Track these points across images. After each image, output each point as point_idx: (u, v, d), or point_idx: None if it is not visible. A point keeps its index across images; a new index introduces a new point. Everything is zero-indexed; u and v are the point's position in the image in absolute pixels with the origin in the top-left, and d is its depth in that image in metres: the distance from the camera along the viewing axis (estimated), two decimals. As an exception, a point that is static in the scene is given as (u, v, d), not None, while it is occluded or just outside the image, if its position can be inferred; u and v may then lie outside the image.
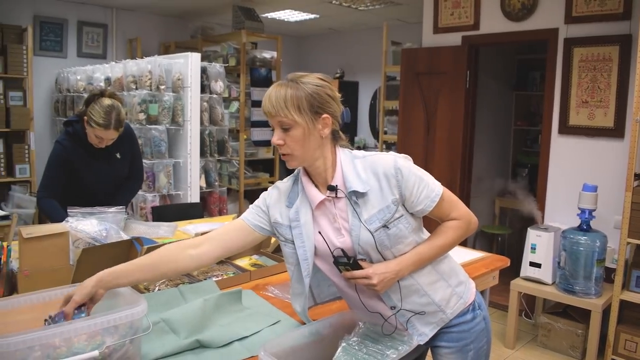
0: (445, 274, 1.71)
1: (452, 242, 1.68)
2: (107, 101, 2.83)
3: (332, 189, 1.60)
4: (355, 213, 1.58)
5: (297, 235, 1.65)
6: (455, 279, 1.74)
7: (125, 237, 2.26)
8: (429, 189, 1.60)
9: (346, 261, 1.56)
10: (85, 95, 3.05)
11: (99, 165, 3.01)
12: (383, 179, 1.57)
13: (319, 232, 1.63)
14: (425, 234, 1.72)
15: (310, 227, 1.64)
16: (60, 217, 2.74)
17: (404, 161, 1.60)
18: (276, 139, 1.57)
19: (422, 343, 1.68)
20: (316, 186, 1.65)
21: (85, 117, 2.82)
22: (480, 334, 1.75)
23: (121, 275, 1.57)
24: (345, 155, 1.64)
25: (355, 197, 1.58)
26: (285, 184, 1.74)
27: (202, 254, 1.66)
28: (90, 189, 3.02)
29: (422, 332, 1.68)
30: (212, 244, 1.68)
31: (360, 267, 1.57)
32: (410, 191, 1.57)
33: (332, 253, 1.59)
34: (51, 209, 2.87)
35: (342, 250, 1.59)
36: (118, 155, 3.10)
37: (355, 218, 1.58)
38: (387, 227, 1.57)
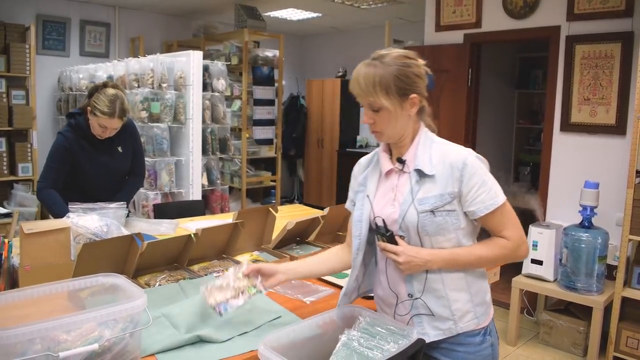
0: (473, 288, 1.67)
1: (492, 259, 1.65)
2: (111, 90, 2.89)
3: (401, 161, 1.66)
4: (412, 190, 1.60)
5: (360, 199, 1.74)
6: (480, 298, 1.69)
7: (125, 232, 2.27)
8: (488, 194, 1.58)
9: (384, 232, 1.61)
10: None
11: (100, 158, 3.03)
12: (449, 168, 1.58)
13: (367, 196, 1.70)
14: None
15: (371, 193, 1.71)
16: (59, 209, 2.79)
17: (475, 160, 1.60)
18: (367, 118, 1.63)
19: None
20: (390, 158, 1.71)
21: (89, 108, 2.86)
22: (485, 359, 1.70)
23: (300, 266, 1.86)
24: (425, 136, 1.67)
25: (418, 175, 1.61)
26: (366, 157, 1.82)
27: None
28: (91, 181, 3.03)
29: (426, 333, 1.65)
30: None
31: (395, 243, 1.60)
32: (469, 189, 1.57)
33: (374, 220, 1.65)
34: (51, 199, 2.90)
35: (384, 221, 1.63)
36: (120, 149, 3.11)
37: (410, 195, 1.60)
38: (434, 214, 1.57)
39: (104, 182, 3.08)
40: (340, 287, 2.18)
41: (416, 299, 1.65)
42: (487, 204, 1.58)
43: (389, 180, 1.69)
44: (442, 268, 1.61)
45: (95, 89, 2.91)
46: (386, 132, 1.64)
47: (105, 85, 2.93)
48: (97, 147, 3.01)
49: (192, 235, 2.27)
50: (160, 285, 2.09)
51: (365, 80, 1.58)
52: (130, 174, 3.25)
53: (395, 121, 1.61)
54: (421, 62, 1.65)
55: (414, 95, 1.60)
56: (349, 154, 8.09)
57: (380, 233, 1.63)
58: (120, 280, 1.63)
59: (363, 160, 1.82)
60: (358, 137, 8.39)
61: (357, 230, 1.72)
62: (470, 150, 1.64)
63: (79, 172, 2.99)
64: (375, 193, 1.70)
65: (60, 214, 2.70)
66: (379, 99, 1.57)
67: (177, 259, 2.32)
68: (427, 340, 1.64)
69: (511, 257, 1.65)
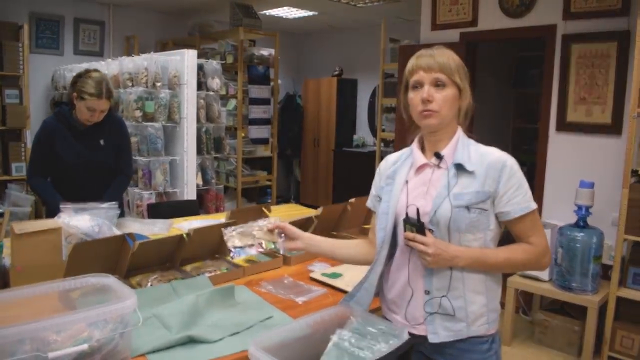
0: (490, 293, 1.66)
1: (517, 263, 1.66)
2: (95, 74, 2.98)
3: (439, 157, 1.66)
4: (448, 185, 1.61)
5: (387, 192, 1.73)
6: (495, 304, 1.68)
7: (117, 232, 2.25)
8: (524, 197, 1.61)
9: (415, 222, 1.58)
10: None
11: (80, 148, 3.04)
12: (488, 168, 1.61)
13: (397, 188, 1.71)
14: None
15: (400, 186, 1.70)
16: (50, 194, 2.90)
17: (514, 162, 1.63)
18: (427, 94, 1.61)
19: (432, 341, 1.63)
20: (424, 154, 1.72)
21: (75, 94, 2.91)
22: None
23: (323, 242, 1.88)
24: (463, 135, 1.69)
25: (456, 171, 1.62)
26: (394, 154, 1.83)
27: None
28: (72, 174, 3.04)
29: (437, 332, 1.63)
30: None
31: (424, 234, 1.58)
32: (506, 190, 1.59)
33: (407, 209, 1.62)
34: (41, 186, 3.01)
35: (418, 210, 1.60)
36: (101, 142, 3.12)
37: (445, 189, 1.61)
38: (468, 210, 1.58)
39: (84, 175, 3.06)
40: (333, 288, 2.18)
41: (434, 297, 1.62)
42: (522, 206, 1.60)
43: (422, 175, 1.69)
44: (468, 267, 1.60)
45: (79, 77, 2.97)
46: (442, 112, 1.62)
47: (87, 71, 3.00)
48: (78, 138, 3.03)
49: (185, 235, 2.26)
50: (152, 285, 2.08)
51: (444, 57, 1.63)
52: (116, 172, 3.24)
53: (454, 103, 1.64)
54: None
55: (468, 87, 1.66)
56: (345, 153, 8.09)
57: (410, 223, 1.59)
58: (111, 280, 1.62)
59: (391, 157, 1.83)
60: (354, 137, 8.38)
61: (383, 222, 1.71)
62: (507, 153, 1.67)
63: (59, 163, 3.01)
64: (403, 186, 1.70)
65: (50, 201, 2.83)
66: (455, 75, 1.62)
67: (170, 259, 2.31)
68: (436, 341, 1.63)
69: (535, 264, 1.66)
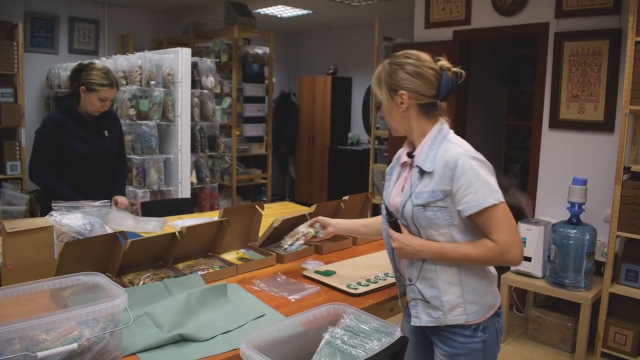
0: (466, 285, 1.73)
1: (477, 259, 1.69)
2: (99, 65, 3.04)
3: (410, 156, 1.79)
4: (412, 184, 1.74)
5: (385, 187, 1.91)
6: (474, 297, 1.74)
7: (109, 231, 2.25)
8: (474, 196, 1.63)
9: (388, 218, 1.81)
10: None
11: (90, 139, 3.09)
12: (444, 167, 1.67)
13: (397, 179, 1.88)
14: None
15: (393, 182, 1.88)
16: (61, 189, 2.94)
17: (467, 160, 1.64)
18: (380, 111, 1.86)
19: (414, 324, 1.80)
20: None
21: (83, 87, 2.95)
22: (473, 352, 1.75)
23: (348, 224, 2.28)
24: (437, 133, 1.75)
25: (420, 171, 1.72)
26: (400, 149, 1.93)
27: None
28: (81, 165, 3.07)
29: (419, 317, 1.79)
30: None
31: (398, 228, 1.77)
32: (457, 189, 1.64)
33: (386, 206, 1.85)
34: (50, 182, 3.01)
35: (387, 208, 1.83)
36: (105, 133, 3.19)
37: (410, 189, 1.74)
38: (425, 208, 1.69)
39: (92, 167, 3.13)
40: (326, 285, 2.18)
41: (414, 284, 1.79)
42: (472, 204, 1.63)
43: (404, 172, 1.84)
44: (433, 259, 1.72)
45: (78, 71, 3.01)
46: (389, 124, 1.84)
47: (89, 64, 3.05)
48: (86, 130, 3.08)
49: (177, 234, 2.26)
50: (144, 283, 2.08)
51: (375, 75, 1.81)
52: (116, 164, 3.34)
53: (389, 113, 1.80)
54: (428, 63, 1.73)
55: (402, 91, 1.72)
56: (340, 151, 8.09)
57: (386, 219, 1.82)
58: (101, 279, 1.62)
59: (399, 152, 1.94)
60: (349, 135, 8.39)
61: (382, 213, 1.90)
62: (467, 149, 1.69)
63: (69, 155, 3.03)
64: (395, 182, 1.87)
65: (66, 194, 2.85)
66: (375, 90, 1.81)
67: (162, 257, 2.31)
68: (418, 324, 1.80)
69: (497, 260, 1.68)
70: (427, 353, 1.91)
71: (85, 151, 3.06)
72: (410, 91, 1.71)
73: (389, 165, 1.96)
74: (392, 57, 1.78)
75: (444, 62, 1.74)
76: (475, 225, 1.70)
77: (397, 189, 1.83)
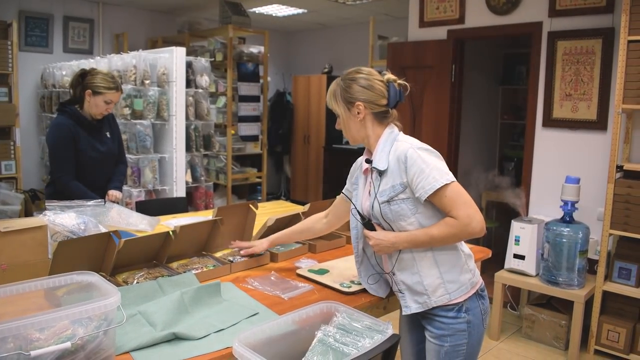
0: (443, 266, 1.88)
1: (443, 237, 1.82)
2: (103, 70, 3.18)
3: (368, 161, 1.94)
4: (374, 185, 1.89)
5: (354, 196, 2.05)
6: (452, 276, 1.88)
7: (103, 230, 2.25)
8: (426, 180, 1.78)
9: (361, 220, 1.95)
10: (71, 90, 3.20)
11: (96, 142, 3.21)
12: (397, 162, 1.84)
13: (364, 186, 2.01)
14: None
15: (361, 190, 2.02)
16: (89, 194, 3.06)
17: (414, 152, 1.82)
18: (336, 124, 2.01)
19: (405, 314, 1.93)
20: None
21: (89, 91, 3.06)
22: (458, 332, 1.87)
23: (283, 237, 2.43)
24: (387, 136, 1.92)
25: (378, 172, 1.88)
26: (360, 158, 2.08)
27: (329, 222, 2.34)
28: (91, 167, 3.19)
29: (408, 305, 1.92)
30: (333, 215, 2.31)
31: (372, 228, 1.92)
32: (411, 178, 1.81)
33: (358, 212, 1.97)
34: (82, 189, 3.11)
35: (359, 212, 1.97)
36: (107, 135, 3.31)
37: (374, 190, 1.89)
38: (389, 203, 1.85)
39: (100, 167, 3.26)
40: (319, 284, 2.20)
41: (396, 276, 1.93)
42: (426, 189, 1.78)
43: (368, 178, 1.97)
44: (409, 248, 1.86)
45: (82, 76, 3.11)
46: (346, 134, 1.99)
47: (91, 69, 3.16)
48: (91, 133, 3.19)
49: (171, 233, 2.27)
50: (138, 282, 2.08)
51: (328, 93, 1.98)
52: (116, 163, 3.44)
53: (347, 124, 1.96)
54: (377, 76, 1.93)
55: (358, 102, 1.90)
56: (335, 150, 8.09)
57: (361, 221, 1.96)
58: (95, 278, 1.62)
59: (358, 161, 2.10)
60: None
61: (353, 222, 2.03)
62: (414, 143, 1.87)
63: (80, 159, 3.14)
64: (362, 189, 2.01)
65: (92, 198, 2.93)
66: (331, 105, 1.97)
67: (156, 256, 2.31)
68: (408, 312, 1.92)
69: (462, 234, 1.81)
70: (422, 340, 2.03)
71: (93, 155, 3.18)
72: (366, 102, 1.90)
73: (354, 176, 2.10)
74: (344, 74, 1.95)
75: (390, 75, 1.94)
76: (437, 208, 1.84)
77: (365, 194, 1.98)
